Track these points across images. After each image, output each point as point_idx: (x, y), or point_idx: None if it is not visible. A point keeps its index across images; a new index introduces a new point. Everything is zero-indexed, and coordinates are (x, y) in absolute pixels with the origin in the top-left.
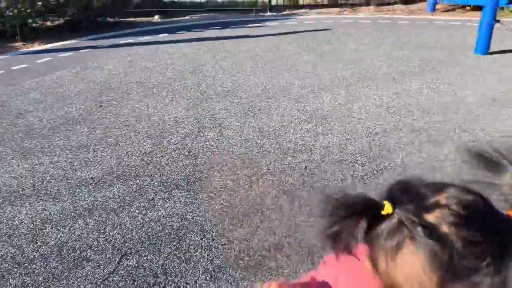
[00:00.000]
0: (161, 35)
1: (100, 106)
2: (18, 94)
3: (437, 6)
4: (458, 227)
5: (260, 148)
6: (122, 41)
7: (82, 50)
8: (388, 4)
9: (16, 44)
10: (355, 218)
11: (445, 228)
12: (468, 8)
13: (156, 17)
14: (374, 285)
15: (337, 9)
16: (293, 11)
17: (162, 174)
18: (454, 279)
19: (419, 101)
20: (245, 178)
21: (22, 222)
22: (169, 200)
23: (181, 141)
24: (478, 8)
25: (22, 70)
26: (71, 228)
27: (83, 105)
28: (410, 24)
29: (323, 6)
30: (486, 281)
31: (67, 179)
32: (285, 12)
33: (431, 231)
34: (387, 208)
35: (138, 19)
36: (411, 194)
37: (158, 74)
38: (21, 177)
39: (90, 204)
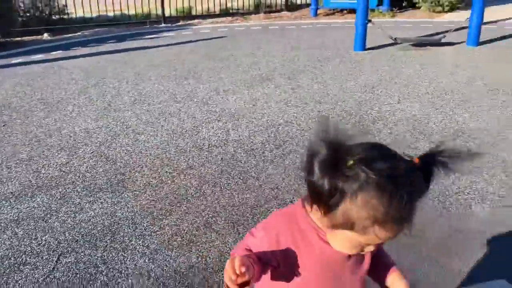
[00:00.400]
0: (54, 52)
1: (4, 125)
2: None
3: (319, 11)
4: (385, 170)
5: (176, 148)
6: (14, 60)
7: None
8: (276, 11)
9: None
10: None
11: (381, 176)
12: (345, 11)
13: (46, 35)
14: (314, 234)
15: (230, 18)
16: (187, 22)
17: (84, 181)
18: (392, 214)
19: (312, 94)
20: (167, 174)
21: None
22: (95, 202)
23: (96, 149)
24: (353, 11)
25: None
26: (0, 240)
27: None
28: (297, 28)
29: (215, 15)
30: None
31: None
32: (179, 23)
33: (378, 179)
34: (350, 161)
35: (25, 38)
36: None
37: (60, 90)
38: None
39: (15, 215)
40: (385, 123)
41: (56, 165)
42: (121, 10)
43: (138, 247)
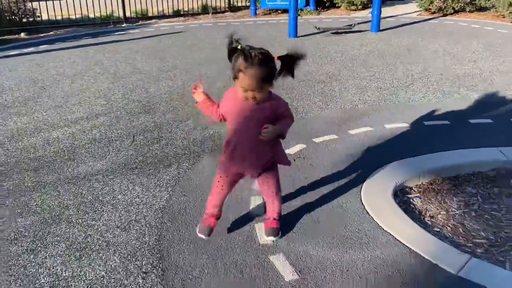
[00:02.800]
0: (41, 46)
1: (44, 88)
2: None
3: (258, 11)
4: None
5: (147, 93)
6: (12, 52)
7: None
8: (221, 12)
9: None
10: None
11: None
12: (279, 11)
13: (22, 34)
14: (236, 96)
15: (182, 18)
16: (146, 22)
17: (125, 110)
18: (245, 68)
19: None
20: (167, 104)
21: None
22: (137, 119)
23: (125, 95)
24: (286, 10)
25: None
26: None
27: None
28: (241, 24)
29: (169, 16)
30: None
31: None
32: (139, 23)
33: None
34: (240, 47)
35: (5, 37)
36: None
37: (69, 68)
38: None
39: (86, 126)
40: (313, 75)
41: (101, 104)
42: (81, 14)
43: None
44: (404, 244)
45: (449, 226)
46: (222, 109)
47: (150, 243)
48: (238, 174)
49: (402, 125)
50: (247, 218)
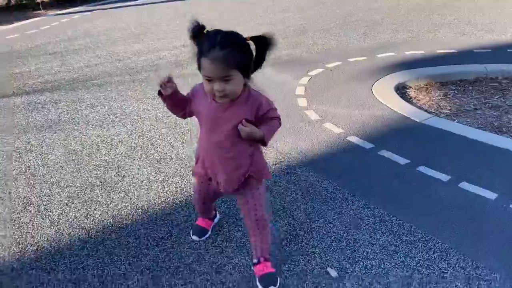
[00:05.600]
0: (140, 1)
1: (120, 39)
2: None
3: None
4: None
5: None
6: (118, 4)
7: (98, 10)
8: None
9: (40, 11)
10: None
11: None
12: None
13: None
14: (206, 93)
15: None
16: None
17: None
18: (208, 51)
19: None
20: None
21: None
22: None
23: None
24: None
25: (65, 23)
26: None
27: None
28: None
29: None
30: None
31: None
32: None
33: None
34: (206, 30)
35: None
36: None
37: (137, 24)
38: None
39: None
40: (359, 22)
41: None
42: None
43: None
44: (391, 109)
45: (427, 104)
46: (191, 105)
47: None
48: (212, 184)
49: (419, 52)
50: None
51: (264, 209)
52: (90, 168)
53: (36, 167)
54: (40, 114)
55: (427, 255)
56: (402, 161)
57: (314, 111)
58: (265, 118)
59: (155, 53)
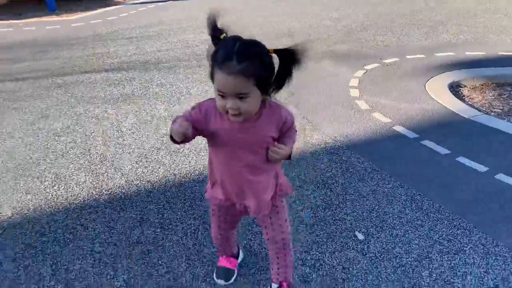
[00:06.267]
0: None
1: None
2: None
3: None
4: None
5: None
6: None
7: (172, 1)
8: None
9: (120, 0)
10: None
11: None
12: None
13: None
14: (218, 110)
15: None
16: None
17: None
18: (222, 61)
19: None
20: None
21: None
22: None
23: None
24: None
25: (141, 11)
26: None
27: None
28: None
29: None
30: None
31: None
32: None
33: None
34: (224, 35)
35: None
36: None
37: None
38: None
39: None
40: (424, 20)
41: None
42: None
43: None
44: (441, 104)
45: (479, 103)
46: (201, 126)
47: None
48: (236, 209)
49: (480, 53)
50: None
51: (289, 226)
52: (157, 136)
53: (112, 131)
54: (116, 88)
55: (451, 231)
56: (443, 151)
57: (365, 101)
58: (287, 131)
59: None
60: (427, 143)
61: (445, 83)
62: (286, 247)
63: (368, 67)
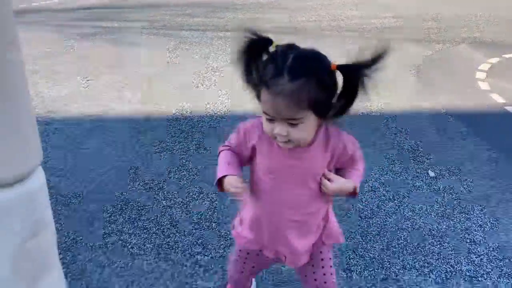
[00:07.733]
0: None
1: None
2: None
3: None
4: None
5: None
6: None
7: None
8: None
9: None
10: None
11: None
12: None
13: None
14: (259, 124)
15: None
16: None
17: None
18: (270, 79)
19: None
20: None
21: None
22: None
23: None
24: None
25: None
26: None
27: None
28: None
29: None
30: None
31: None
32: None
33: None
34: (274, 45)
35: None
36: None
37: None
38: None
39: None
40: None
41: (381, 22)
42: None
43: None
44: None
45: None
46: (240, 150)
47: None
48: (269, 257)
49: None
50: None
51: (335, 279)
52: None
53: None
54: None
55: None
56: None
57: (488, 83)
58: (349, 161)
59: (365, 19)
60: None
61: None
62: None
63: (506, 55)
